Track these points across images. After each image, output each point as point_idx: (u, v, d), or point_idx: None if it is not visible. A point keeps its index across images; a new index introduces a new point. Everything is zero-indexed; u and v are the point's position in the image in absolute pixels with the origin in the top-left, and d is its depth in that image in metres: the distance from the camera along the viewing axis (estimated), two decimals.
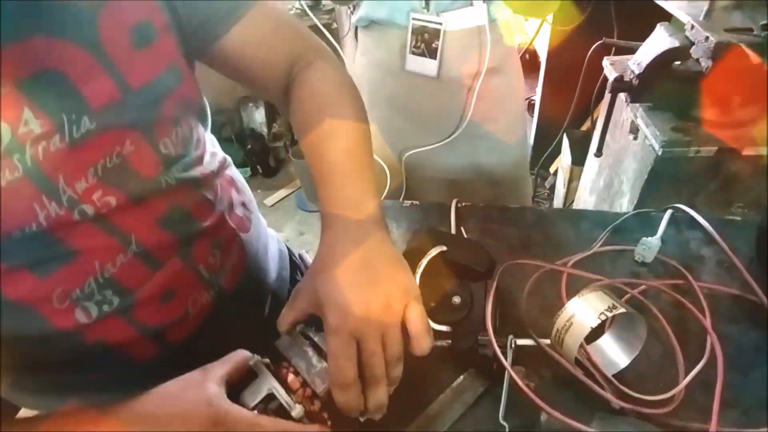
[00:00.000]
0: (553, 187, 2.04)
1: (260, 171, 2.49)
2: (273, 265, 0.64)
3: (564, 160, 1.77)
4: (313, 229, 2.23)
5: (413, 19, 0.79)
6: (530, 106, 2.17)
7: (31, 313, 0.40)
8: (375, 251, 0.39)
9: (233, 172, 0.59)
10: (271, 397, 0.38)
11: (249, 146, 2.45)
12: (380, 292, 0.37)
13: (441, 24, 0.76)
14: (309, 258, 0.76)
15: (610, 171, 1.20)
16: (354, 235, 0.40)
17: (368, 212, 0.41)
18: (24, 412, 0.51)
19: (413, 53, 0.80)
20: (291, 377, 0.40)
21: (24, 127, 0.33)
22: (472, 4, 0.80)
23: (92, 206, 0.38)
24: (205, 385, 0.36)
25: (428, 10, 0.79)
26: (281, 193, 2.40)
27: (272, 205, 2.35)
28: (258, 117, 2.58)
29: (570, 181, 1.71)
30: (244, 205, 0.58)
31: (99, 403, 0.36)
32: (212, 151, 0.54)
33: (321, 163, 0.44)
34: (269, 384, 0.38)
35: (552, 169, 2.06)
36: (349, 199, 0.42)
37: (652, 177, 0.94)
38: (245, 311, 0.57)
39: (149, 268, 0.44)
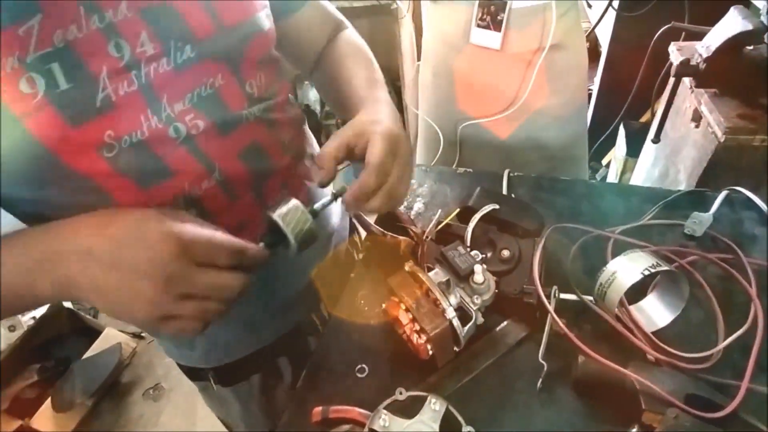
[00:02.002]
0: (604, 179, 2.00)
1: None
2: (335, 220, 0.71)
3: (618, 151, 1.73)
4: None
5: None
6: (587, 97, 2.12)
7: None
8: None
9: (306, 129, 0.66)
10: None
11: None
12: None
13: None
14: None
15: (666, 161, 1.18)
16: (391, 109, 0.53)
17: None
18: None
19: (478, 26, 0.83)
20: (402, 313, 0.47)
21: (140, 48, 0.40)
22: None
23: (184, 125, 0.44)
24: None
25: None
26: None
27: None
28: (312, 95, 2.66)
29: (623, 172, 1.67)
30: (312, 158, 0.65)
31: None
32: (292, 103, 0.60)
33: (359, 72, 0.59)
34: None
35: (605, 162, 2.01)
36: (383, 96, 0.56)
37: (711, 166, 0.92)
38: (307, 256, 0.63)
39: (228, 198, 0.50)
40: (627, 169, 1.64)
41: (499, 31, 0.82)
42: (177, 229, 0.37)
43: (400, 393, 0.47)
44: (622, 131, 1.68)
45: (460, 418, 0.45)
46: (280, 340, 0.67)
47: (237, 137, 0.49)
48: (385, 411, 0.45)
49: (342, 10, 0.66)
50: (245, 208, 0.52)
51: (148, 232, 0.36)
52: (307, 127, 0.67)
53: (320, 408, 0.48)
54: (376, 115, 0.50)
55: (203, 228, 0.39)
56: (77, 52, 0.37)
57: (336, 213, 0.71)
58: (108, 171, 0.41)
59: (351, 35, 0.65)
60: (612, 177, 1.84)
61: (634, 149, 1.54)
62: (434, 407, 0.45)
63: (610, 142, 1.77)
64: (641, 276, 0.47)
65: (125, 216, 0.38)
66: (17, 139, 0.36)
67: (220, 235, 0.39)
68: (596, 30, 1.84)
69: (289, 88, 0.59)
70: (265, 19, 0.50)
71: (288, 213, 0.43)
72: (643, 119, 1.73)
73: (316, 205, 0.46)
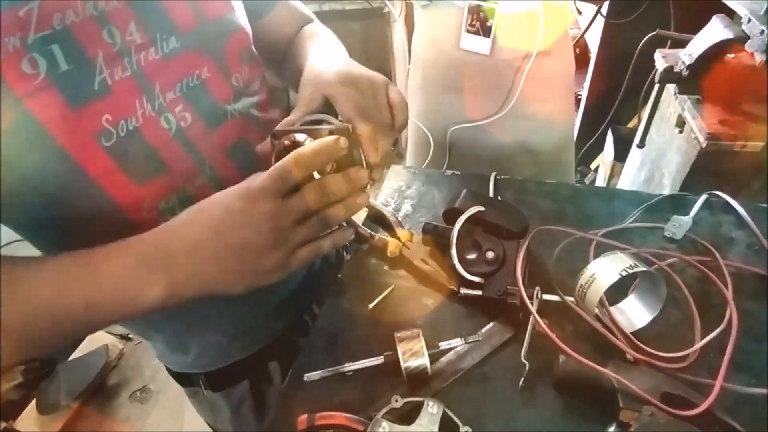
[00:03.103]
0: (593, 183, 2.03)
1: None
2: None
3: (606, 156, 1.76)
4: None
5: None
6: (576, 101, 2.15)
7: (123, 218, 0.45)
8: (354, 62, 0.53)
9: None
10: None
11: None
12: (368, 73, 0.50)
13: (496, 4, 0.80)
14: None
15: (651, 165, 1.20)
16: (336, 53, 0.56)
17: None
18: None
19: (468, 32, 0.84)
20: None
21: (129, 36, 0.42)
22: None
23: (174, 117, 0.45)
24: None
25: None
26: None
27: None
28: None
29: (611, 177, 1.70)
30: None
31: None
32: (274, 104, 0.61)
33: (311, 41, 0.62)
34: None
35: (593, 166, 2.04)
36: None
37: (694, 170, 0.94)
38: None
39: None
40: (615, 173, 1.67)
41: (489, 36, 0.83)
42: (255, 184, 0.39)
43: (396, 400, 0.47)
44: (610, 136, 1.71)
45: (456, 420, 0.46)
46: (271, 344, 0.68)
47: (224, 132, 0.50)
48: (383, 419, 0.45)
49: (334, 12, 0.68)
50: None
51: (235, 199, 0.39)
52: None
53: (305, 416, 0.48)
54: (320, 63, 0.51)
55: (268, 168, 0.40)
56: (75, 36, 0.38)
57: None
58: (105, 162, 0.41)
59: (314, 26, 0.68)
60: (600, 181, 1.86)
61: (621, 154, 1.57)
62: (432, 410, 0.45)
63: (599, 147, 1.80)
64: (619, 276, 0.48)
65: (208, 204, 0.40)
66: (18, 119, 0.36)
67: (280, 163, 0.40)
68: (586, 36, 1.87)
69: (268, 90, 0.60)
70: (241, 17, 0.53)
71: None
72: (631, 124, 1.76)
73: None
